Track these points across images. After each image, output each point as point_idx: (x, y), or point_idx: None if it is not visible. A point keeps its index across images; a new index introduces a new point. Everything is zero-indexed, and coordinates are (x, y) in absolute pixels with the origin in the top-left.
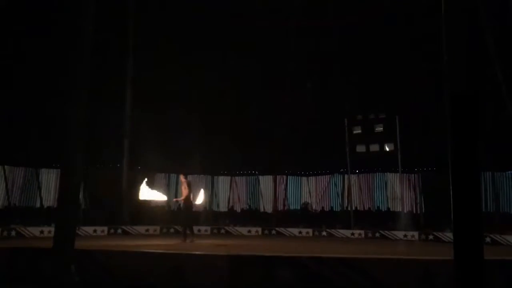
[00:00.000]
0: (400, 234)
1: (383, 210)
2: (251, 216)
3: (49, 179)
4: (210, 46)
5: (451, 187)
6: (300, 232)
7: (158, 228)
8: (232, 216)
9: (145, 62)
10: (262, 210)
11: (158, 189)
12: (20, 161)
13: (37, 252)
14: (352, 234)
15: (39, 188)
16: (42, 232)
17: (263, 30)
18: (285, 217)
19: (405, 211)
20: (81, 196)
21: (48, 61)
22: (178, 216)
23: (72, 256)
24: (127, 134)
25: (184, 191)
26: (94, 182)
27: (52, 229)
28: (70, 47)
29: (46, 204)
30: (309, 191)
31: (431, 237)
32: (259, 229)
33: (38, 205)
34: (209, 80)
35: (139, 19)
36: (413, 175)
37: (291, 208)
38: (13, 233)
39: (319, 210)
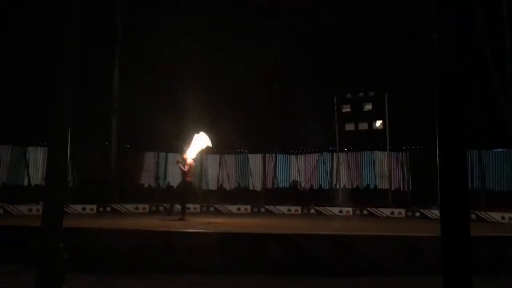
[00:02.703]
0: (387, 211)
1: (371, 187)
2: (241, 194)
3: (37, 157)
4: (197, 24)
5: (438, 165)
6: (289, 210)
7: (147, 206)
8: (222, 194)
9: (133, 39)
10: (251, 188)
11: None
12: (7, 139)
13: (25, 230)
14: (340, 211)
15: (27, 166)
16: (30, 210)
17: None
18: (274, 195)
19: (392, 188)
20: (69, 174)
21: (35, 36)
22: (173, 193)
23: (60, 235)
24: (116, 112)
25: (186, 168)
26: (83, 160)
27: (41, 207)
28: (56, 22)
29: (34, 182)
30: (298, 169)
31: (418, 214)
32: (248, 207)
33: (26, 183)
34: (198, 57)
35: None
36: (401, 153)
37: (280, 186)
38: (1, 211)
39: (308, 188)
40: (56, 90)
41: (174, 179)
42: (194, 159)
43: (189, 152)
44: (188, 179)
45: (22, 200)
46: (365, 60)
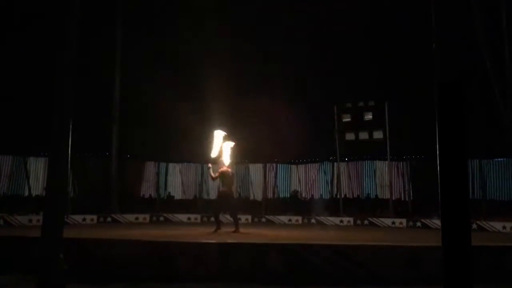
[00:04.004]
0: (388, 221)
1: (372, 197)
2: (241, 204)
3: (37, 168)
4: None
5: (439, 175)
6: (289, 220)
7: (147, 216)
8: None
9: (133, 48)
10: (252, 198)
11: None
12: (7, 149)
13: (25, 241)
14: (341, 221)
15: (27, 177)
16: (30, 221)
17: (254, 16)
18: (275, 205)
19: (393, 198)
20: (69, 184)
21: (35, 46)
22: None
23: (60, 245)
24: (116, 122)
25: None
26: (83, 171)
27: (41, 217)
28: (56, 30)
29: (34, 192)
30: (299, 179)
31: (418, 224)
32: (249, 217)
33: (26, 193)
34: (198, 65)
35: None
36: (401, 162)
37: (280, 196)
38: (1, 221)
39: (308, 197)
40: (55, 100)
41: (174, 189)
42: (230, 164)
43: (222, 157)
44: (222, 189)
45: (22, 210)
46: (365, 69)
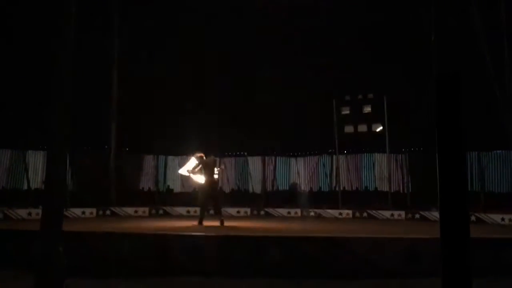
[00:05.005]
0: (387, 213)
1: (370, 190)
2: (240, 197)
3: (36, 161)
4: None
5: (437, 167)
6: (288, 213)
7: (147, 209)
8: (221, 197)
9: (131, 42)
10: (251, 191)
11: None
12: (6, 143)
13: (24, 234)
14: (340, 214)
15: (26, 170)
16: (29, 214)
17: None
18: (274, 198)
19: (392, 190)
20: (68, 177)
21: (33, 39)
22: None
23: (60, 238)
24: (115, 115)
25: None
26: (82, 164)
27: (40, 211)
28: (53, 25)
29: (33, 186)
30: (298, 171)
31: (417, 216)
32: (248, 210)
33: (25, 187)
34: (197, 58)
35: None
36: (400, 155)
37: (280, 188)
38: (0, 215)
39: (307, 190)
40: (54, 94)
41: (173, 183)
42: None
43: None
44: (207, 179)
45: (21, 204)
46: (364, 62)
